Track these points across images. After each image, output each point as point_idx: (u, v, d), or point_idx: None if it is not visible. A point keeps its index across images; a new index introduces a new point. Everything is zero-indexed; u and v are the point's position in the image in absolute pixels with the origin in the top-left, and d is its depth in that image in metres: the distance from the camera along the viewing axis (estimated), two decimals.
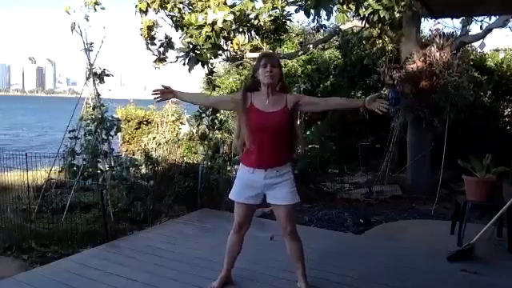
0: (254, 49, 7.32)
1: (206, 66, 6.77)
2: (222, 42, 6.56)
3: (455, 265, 3.43)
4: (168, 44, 7.00)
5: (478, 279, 3.21)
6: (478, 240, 3.60)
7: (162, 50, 7.13)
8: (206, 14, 6.10)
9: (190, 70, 6.44)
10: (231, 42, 6.85)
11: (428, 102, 6.32)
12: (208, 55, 6.29)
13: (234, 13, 6.09)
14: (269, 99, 2.68)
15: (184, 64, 6.46)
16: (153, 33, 7.00)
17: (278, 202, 2.73)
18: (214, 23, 5.95)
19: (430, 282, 3.17)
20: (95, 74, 5.54)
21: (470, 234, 3.69)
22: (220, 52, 6.77)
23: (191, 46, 6.15)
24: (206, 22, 6.05)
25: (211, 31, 6.02)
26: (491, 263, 3.52)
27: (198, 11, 6.39)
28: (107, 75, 5.64)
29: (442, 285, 3.15)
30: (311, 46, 8.42)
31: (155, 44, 7.11)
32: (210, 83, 7.67)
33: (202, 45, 6.07)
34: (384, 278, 3.15)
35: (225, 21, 5.96)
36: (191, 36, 6.09)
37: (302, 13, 6.44)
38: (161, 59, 7.15)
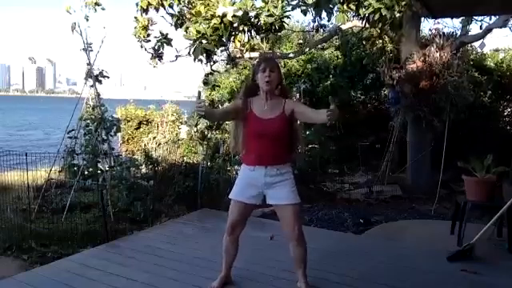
0: (254, 48, 7.32)
1: (210, 58, 6.76)
2: (226, 38, 6.56)
3: (455, 265, 3.43)
4: (164, 39, 6.97)
5: (478, 279, 3.21)
6: (477, 240, 3.60)
7: (157, 46, 7.13)
8: (212, 6, 6.09)
9: (195, 60, 6.44)
10: (234, 40, 6.84)
11: (428, 101, 6.32)
12: (214, 46, 6.27)
13: (241, 9, 6.09)
14: (267, 104, 2.69)
15: (189, 53, 6.46)
16: (148, 31, 7.01)
17: (281, 201, 2.71)
18: (223, 16, 5.96)
19: (430, 282, 3.16)
20: (95, 74, 5.53)
21: (470, 234, 3.69)
22: (222, 49, 6.77)
23: (199, 34, 6.14)
24: (214, 14, 6.06)
25: (220, 23, 6.02)
26: (491, 263, 3.52)
27: (203, 5, 6.38)
28: (104, 76, 5.63)
29: (442, 285, 3.15)
30: (311, 45, 8.42)
31: (150, 40, 7.12)
32: (206, 84, 7.68)
33: (210, 35, 6.08)
34: (384, 278, 3.14)
35: (234, 16, 5.97)
36: (200, 25, 6.08)
37: (298, 10, 6.46)
38: (157, 56, 7.15)
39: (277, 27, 6.81)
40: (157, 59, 7.29)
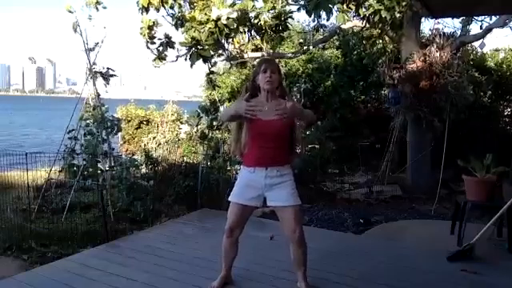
0: (255, 48, 7.33)
1: (207, 63, 6.78)
2: (223, 40, 6.56)
3: (455, 265, 3.43)
4: (168, 43, 7.01)
5: (478, 279, 3.21)
6: (477, 240, 3.60)
7: (161, 48, 7.15)
8: (210, 10, 6.10)
9: (191, 66, 6.45)
10: (232, 41, 6.85)
11: (428, 101, 6.33)
12: (210, 51, 6.29)
13: (236, 10, 6.10)
14: (268, 105, 2.68)
15: (186, 59, 6.47)
16: (153, 32, 7.00)
17: (281, 203, 2.70)
18: (217, 19, 5.96)
19: (430, 282, 3.16)
20: (100, 73, 5.54)
21: (470, 234, 3.68)
22: (221, 51, 6.77)
23: (194, 41, 6.15)
24: (209, 18, 6.06)
25: (215, 27, 6.02)
26: (491, 263, 3.52)
27: (199, 9, 6.39)
28: (111, 75, 5.62)
29: (442, 285, 3.15)
30: (311, 45, 8.43)
31: (155, 43, 7.12)
32: (211, 82, 7.68)
33: (205, 40, 6.08)
34: (384, 278, 3.14)
35: (228, 18, 5.97)
36: (194, 31, 6.10)
37: (302, 11, 6.47)
38: (160, 58, 7.15)
39: (281, 28, 6.82)
40: (160, 60, 7.28)
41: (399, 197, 6.53)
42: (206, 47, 6.18)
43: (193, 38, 6.15)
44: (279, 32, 6.99)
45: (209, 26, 6.04)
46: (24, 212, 5.24)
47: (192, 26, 6.21)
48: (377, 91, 10.33)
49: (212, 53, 6.49)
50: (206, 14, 6.18)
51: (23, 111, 59.88)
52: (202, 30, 6.10)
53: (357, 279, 3.13)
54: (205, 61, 6.59)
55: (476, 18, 7.51)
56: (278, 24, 6.78)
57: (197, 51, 6.22)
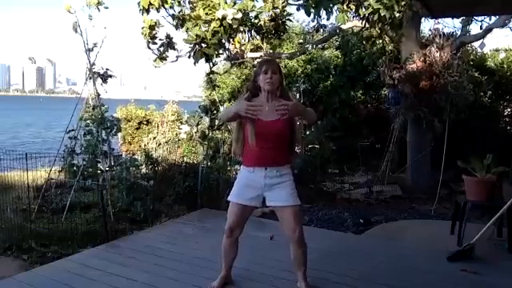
0: (255, 48, 7.32)
1: (210, 61, 6.78)
2: (225, 40, 6.56)
3: (455, 265, 3.43)
4: (169, 44, 7.01)
5: (478, 279, 3.21)
6: (478, 240, 3.60)
7: (162, 48, 7.15)
8: (213, 9, 6.10)
9: (195, 64, 6.45)
10: (233, 40, 6.86)
11: (428, 101, 6.33)
12: (213, 49, 6.28)
13: (241, 11, 6.09)
14: (269, 105, 2.68)
15: (189, 57, 6.46)
16: (154, 32, 7.00)
17: (281, 203, 2.70)
18: (223, 19, 5.95)
19: (430, 282, 3.16)
20: (98, 74, 5.54)
21: (470, 234, 3.68)
22: (221, 50, 6.77)
23: (198, 38, 6.14)
24: (213, 18, 6.05)
25: (219, 26, 6.01)
26: (491, 263, 3.52)
27: (202, 8, 6.38)
28: (110, 76, 5.63)
29: (442, 285, 3.15)
30: (311, 45, 8.42)
31: (156, 43, 7.12)
32: (210, 83, 7.69)
33: (210, 39, 6.08)
34: (384, 278, 3.14)
35: (234, 18, 5.97)
36: (199, 29, 6.09)
37: (302, 12, 6.46)
38: (161, 58, 7.16)
39: (279, 31, 6.82)
40: (160, 60, 7.28)
41: (399, 197, 6.53)
42: (210, 45, 6.17)
43: (197, 36, 6.14)
44: (278, 35, 7.00)
45: (213, 25, 6.04)
46: (24, 212, 5.24)
47: (197, 24, 6.20)
48: (377, 91, 10.33)
49: (215, 52, 6.48)
50: (208, 13, 6.17)
51: (25, 111, 59.85)
52: (206, 29, 6.10)
53: (357, 279, 3.13)
54: (207, 60, 6.59)
55: (476, 18, 7.51)
56: (275, 27, 6.78)
57: (201, 49, 6.22)
